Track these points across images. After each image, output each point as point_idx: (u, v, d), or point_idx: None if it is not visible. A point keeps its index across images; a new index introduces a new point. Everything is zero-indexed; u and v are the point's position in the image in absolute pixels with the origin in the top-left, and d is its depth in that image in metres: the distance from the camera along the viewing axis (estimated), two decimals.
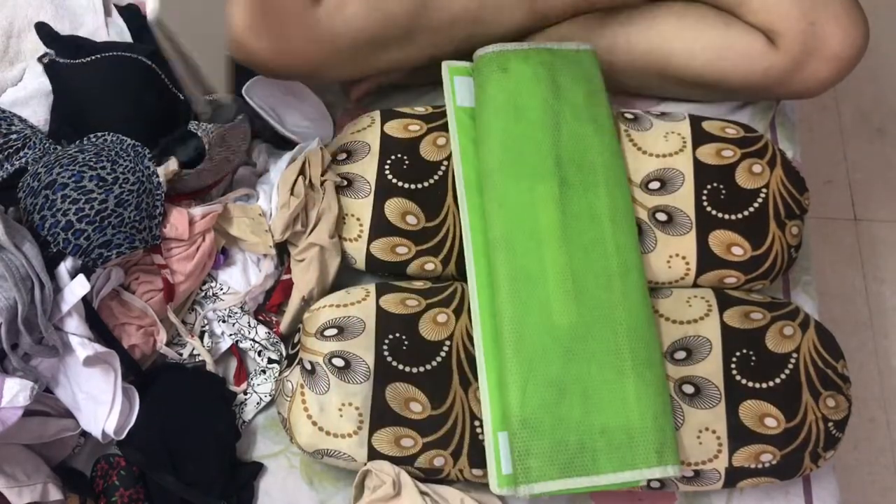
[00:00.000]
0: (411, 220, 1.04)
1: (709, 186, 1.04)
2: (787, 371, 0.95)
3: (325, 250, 1.03)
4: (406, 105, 1.14)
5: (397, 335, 0.95)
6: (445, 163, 1.06)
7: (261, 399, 1.02)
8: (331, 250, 1.03)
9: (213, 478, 0.95)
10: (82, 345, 0.89)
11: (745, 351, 0.96)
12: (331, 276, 1.04)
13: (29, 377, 0.87)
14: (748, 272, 1.02)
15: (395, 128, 1.08)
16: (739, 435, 0.93)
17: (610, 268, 0.96)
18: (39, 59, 1.10)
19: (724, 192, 1.04)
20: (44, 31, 1.16)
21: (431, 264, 1.04)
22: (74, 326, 0.90)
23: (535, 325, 0.92)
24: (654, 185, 1.05)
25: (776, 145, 1.09)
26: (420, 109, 1.11)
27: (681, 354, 0.96)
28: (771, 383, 0.95)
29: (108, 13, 1.25)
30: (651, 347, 0.93)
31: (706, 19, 1.11)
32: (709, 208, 1.03)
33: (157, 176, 0.98)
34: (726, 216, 1.03)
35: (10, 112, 1.07)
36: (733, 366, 0.95)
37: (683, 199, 1.04)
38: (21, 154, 1.02)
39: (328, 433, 0.93)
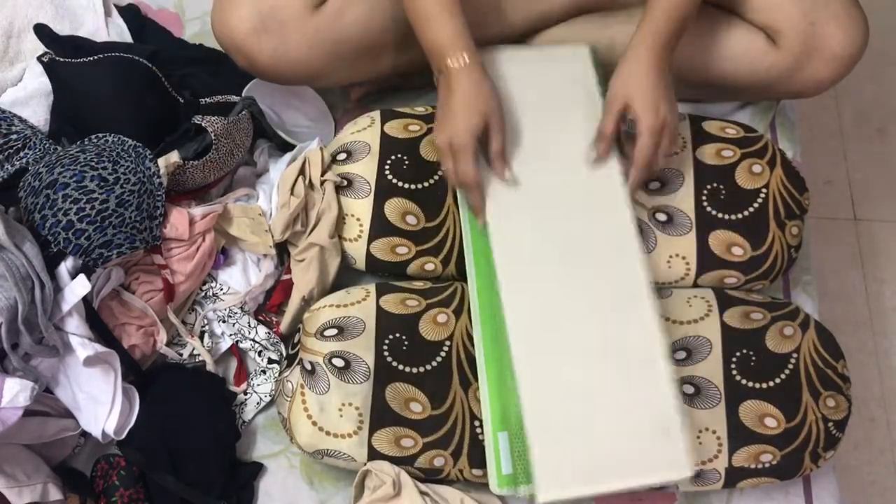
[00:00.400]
0: (411, 220, 1.04)
1: (709, 186, 1.04)
2: (787, 371, 0.95)
3: (325, 250, 1.03)
4: (406, 105, 1.14)
5: (397, 335, 0.95)
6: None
7: (261, 399, 1.02)
8: (331, 250, 1.03)
9: (213, 478, 0.95)
10: (82, 345, 0.89)
11: (745, 351, 0.96)
12: (331, 276, 1.04)
13: (29, 377, 0.87)
14: (748, 272, 1.02)
15: (395, 128, 1.08)
16: (739, 435, 0.93)
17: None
18: (39, 59, 1.10)
19: (724, 192, 1.04)
20: (43, 32, 1.16)
21: (431, 264, 1.04)
22: (75, 326, 0.90)
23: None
24: (654, 185, 1.05)
25: (776, 145, 1.09)
26: (420, 109, 1.11)
27: (681, 354, 0.96)
28: (771, 383, 0.95)
29: (108, 13, 1.25)
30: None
31: (707, 19, 1.11)
32: (709, 208, 1.03)
33: (159, 177, 0.98)
34: (726, 216, 1.03)
35: (11, 112, 1.07)
36: (733, 366, 0.95)
37: (683, 199, 1.04)
38: (21, 154, 1.02)
39: (328, 433, 0.93)
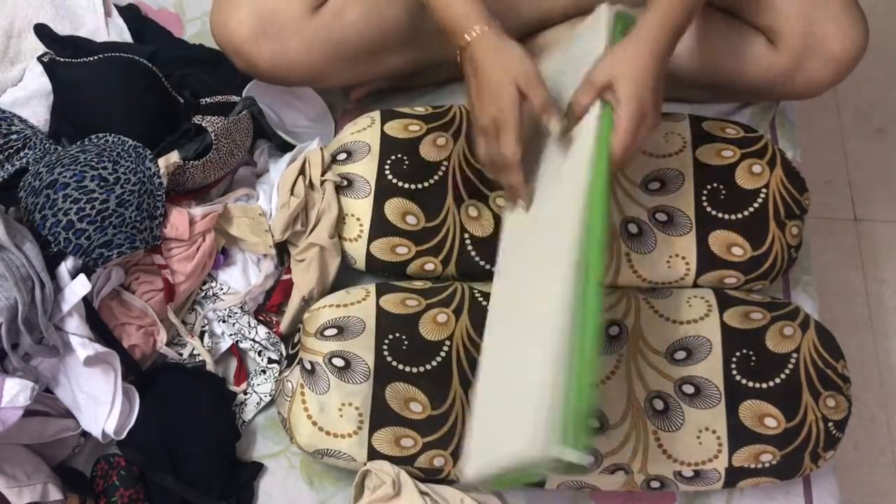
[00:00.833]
0: (411, 220, 1.04)
1: (709, 186, 1.04)
2: (787, 371, 0.95)
3: (325, 250, 1.03)
4: (406, 105, 1.14)
5: (397, 335, 0.95)
6: (445, 163, 1.06)
7: (261, 399, 1.02)
8: (331, 250, 1.03)
9: (212, 478, 0.95)
10: (82, 345, 0.89)
11: (745, 351, 0.96)
12: (331, 276, 1.04)
13: (29, 377, 0.87)
14: (748, 272, 1.02)
15: (395, 128, 1.08)
16: (739, 435, 0.93)
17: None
18: (39, 59, 1.11)
19: (724, 192, 1.04)
20: (43, 32, 1.16)
21: (431, 264, 1.04)
22: (75, 326, 0.90)
23: None
24: (654, 185, 1.05)
25: (776, 145, 1.09)
26: (420, 110, 1.11)
27: (681, 354, 0.96)
28: (771, 383, 0.95)
29: (108, 13, 1.25)
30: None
31: (707, 20, 1.11)
32: (709, 208, 1.03)
33: (159, 177, 0.98)
34: (726, 216, 1.03)
35: (11, 112, 1.07)
36: (733, 366, 0.95)
37: (683, 199, 1.04)
38: (21, 154, 1.02)
39: (328, 433, 0.93)
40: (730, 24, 1.10)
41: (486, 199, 1.05)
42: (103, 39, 1.21)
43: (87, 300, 0.92)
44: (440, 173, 1.05)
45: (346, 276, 1.07)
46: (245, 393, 1.03)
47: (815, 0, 1.04)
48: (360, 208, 1.04)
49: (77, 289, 0.90)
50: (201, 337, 1.03)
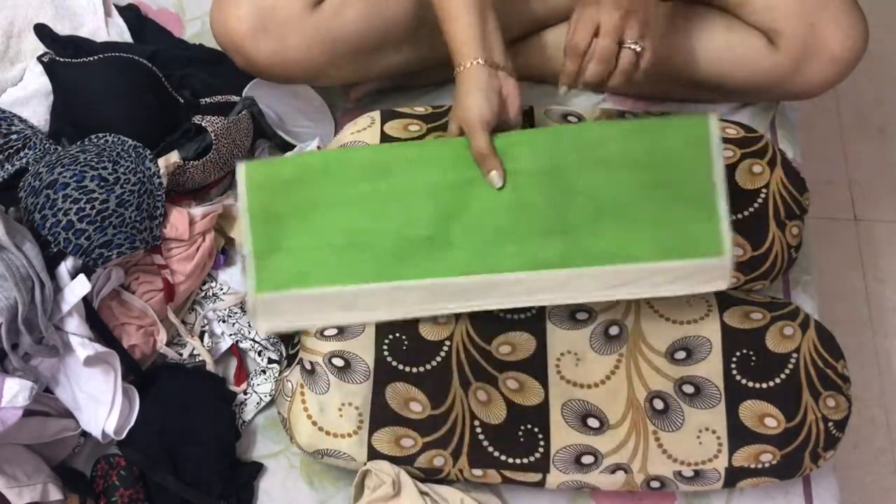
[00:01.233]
0: None
1: None
2: (787, 371, 0.95)
3: None
4: (406, 105, 1.14)
5: (397, 335, 0.95)
6: None
7: (261, 399, 1.02)
8: None
9: (212, 478, 0.95)
10: (82, 345, 0.89)
11: (745, 351, 0.96)
12: None
13: (29, 377, 0.87)
14: (748, 272, 1.02)
15: (394, 128, 1.08)
16: (739, 435, 0.93)
17: None
18: (39, 59, 1.11)
19: None
20: (43, 32, 1.16)
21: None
22: (75, 326, 0.90)
23: None
24: None
25: (776, 145, 1.09)
26: (420, 109, 1.11)
27: (681, 354, 0.96)
28: (771, 383, 0.95)
29: (108, 13, 1.25)
30: None
31: (707, 20, 1.11)
32: None
33: (159, 177, 0.98)
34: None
35: (11, 112, 1.07)
36: (733, 366, 0.95)
37: None
38: (21, 154, 1.02)
39: (328, 433, 0.93)
40: (730, 25, 1.10)
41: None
42: (103, 39, 1.21)
43: (87, 300, 0.92)
44: None
45: None
46: (245, 393, 1.03)
47: (815, 0, 1.04)
48: None
49: (77, 289, 0.90)
50: (201, 337, 1.03)
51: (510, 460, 0.93)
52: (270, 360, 1.03)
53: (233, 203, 1.06)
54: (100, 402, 0.92)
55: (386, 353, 0.94)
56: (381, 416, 0.92)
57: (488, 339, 0.96)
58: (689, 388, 0.95)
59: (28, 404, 0.84)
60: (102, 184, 0.93)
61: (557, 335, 0.97)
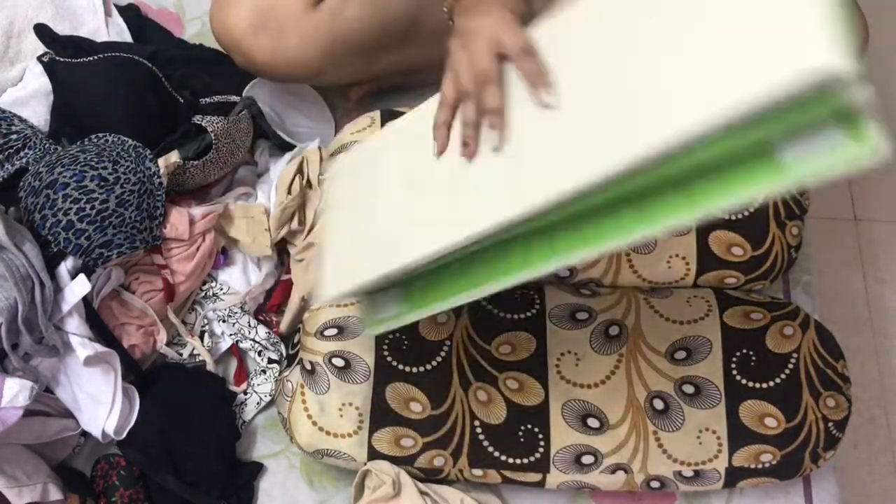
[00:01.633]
0: None
1: None
2: (787, 371, 0.95)
3: None
4: (406, 105, 1.14)
5: (397, 335, 0.95)
6: None
7: (261, 399, 1.02)
8: None
9: (213, 478, 0.95)
10: (82, 345, 0.89)
11: (745, 351, 0.96)
12: None
13: (29, 377, 0.87)
14: (748, 272, 1.02)
15: None
16: (739, 435, 0.93)
17: None
18: (39, 59, 1.11)
19: None
20: (43, 32, 1.16)
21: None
22: (75, 326, 0.90)
23: None
24: None
25: None
26: None
27: (681, 354, 0.96)
28: (771, 383, 0.95)
29: (108, 13, 1.25)
30: None
31: None
32: None
33: (159, 177, 0.98)
34: (725, 216, 1.03)
35: (11, 112, 1.07)
36: (733, 366, 0.95)
37: None
38: (21, 154, 1.02)
39: (328, 433, 0.93)
40: None
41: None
42: (103, 39, 1.21)
43: (87, 300, 0.92)
44: None
45: None
46: (245, 393, 1.03)
47: None
48: None
49: (77, 289, 0.90)
50: (201, 337, 1.03)
51: (510, 460, 0.93)
52: (270, 360, 1.03)
53: (232, 203, 1.06)
54: (100, 402, 0.92)
55: (386, 352, 0.94)
56: (381, 415, 0.92)
57: (488, 339, 0.96)
58: (689, 388, 0.95)
59: (28, 404, 0.84)
60: (102, 184, 0.93)
61: (557, 335, 0.97)
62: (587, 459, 0.93)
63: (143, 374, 0.99)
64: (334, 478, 1.00)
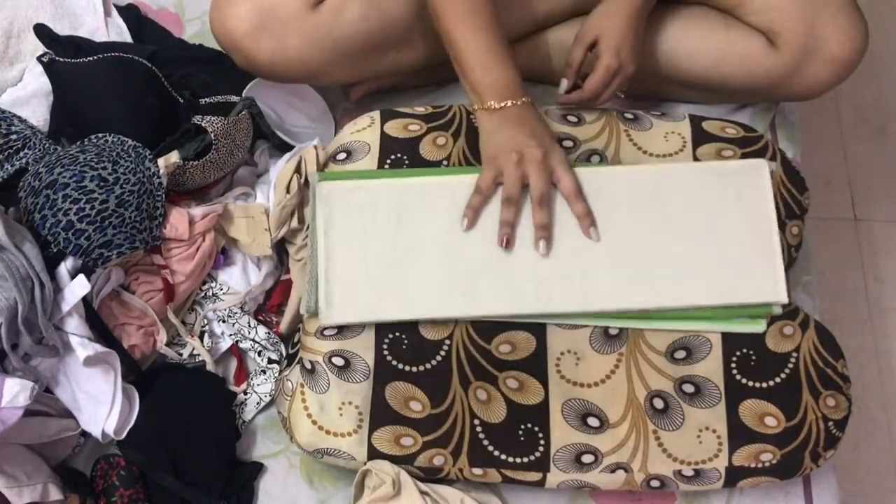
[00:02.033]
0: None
1: None
2: (787, 370, 0.95)
3: None
4: (406, 105, 1.14)
5: (397, 334, 0.95)
6: (445, 162, 1.06)
7: (261, 399, 1.02)
8: None
9: (213, 478, 0.95)
10: (82, 345, 0.89)
11: (745, 350, 0.96)
12: None
13: (29, 377, 0.87)
14: None
15: (395, 128, 1.08)
16: (739, 434, 0.93)
17: None
18: (39, 59, 1.11)
19: None
20: (43, 32, 1.16)
21: None
22: (74, 326, 0.90)
23: None
24: None
25: (776, 145, 1.09)
26: (420, 109, 1.11)
27: (681, 354, 0.96)
28: (771, 383, 0.95)
29: (107, 13, 1.25)
30: None
31: (707, 21, 1.11)
32: None
33: (158, 177, 0.98)
34: None
35: (10, 112, 1.08)
36: (733, 365, 0.95)
37: None
38: (21, 154, 1.02)
39: (328, 432, 0.93)
40: (729, 25, 1.10)
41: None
42: (103, 39, 1.21)
43: (86, 300, 0.92)
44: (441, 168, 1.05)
45: None
46: (245, 393, 1.03)
47: (814, 1, 1.04)
48: None
49: (77, 289, 0.90)
50: (201, 337, 1.03)
51: (510, 459, 0.93)
52: (270, 360, 1.03)
53: (232, 203, 1.06)
54: (100, 402, 0.92)
55: (386, 352, 0.94)
56: (381, 415, 0.92)
57: (488, 338, 0.96)
58: (689, 388, 0.95)
59: (28, 404, 0.84)
60: (102, 184, 0.93)
61: (557, 334, 0.97)
62: (587, 458, 0.93)
63: (143, 374, 0.99)
64: (334, 477, 1.00)
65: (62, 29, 1.20)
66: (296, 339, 1.01)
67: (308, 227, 1.02)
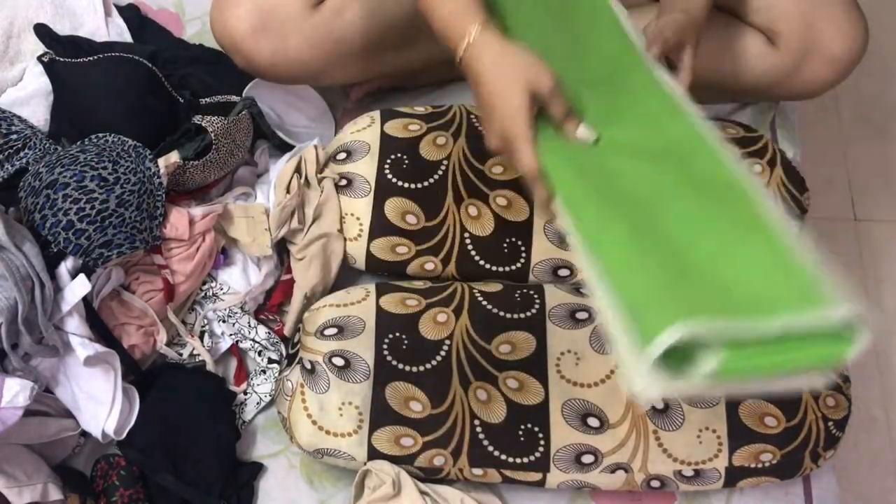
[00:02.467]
0: (411, 219, 1.04)
1: None
2: None
3: (331, 237, 1.02)
4: (406, 105, 1.14)
5: (397, 334, 0.95)
6: (445, 162, 1.06)
7: (261, 399, 1.02)
8: (337, 236, 1.03)
9: (213, 478, 0.95)
10: (82, 345, 0.89)
11: None
12: (333, 273, 1.04)
13: (29, 377, 0.87)
14: None
15: (394, 127, 1.08)
16: (739, 434, 0.93)
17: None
18: (39, 59, 1.11)
19: None
20: (43, 32, 1.16)
21: (431, 264, 1.04)
22: (75, 326, 0.90)
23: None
24: None
25: (776, 145, 1.09)
26: (420, 109, 1.11)
27: None
28: None
29: (108, 13, 1.25)
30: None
31: (707, 20, 1.11)
32: None
33: (159, 177, 0.98)
34: None
35: (11, 112, 1.08)
36: None
37: None
38: (21, 154, 1.02)
39: (328, 432, 0.93)
40: (729, 25, 1.10)
41: (487, 199, 1.05)
42: (103, 39, 1.21)
43: (87, 300, 0.92)
44: (440, 172, 1.05)
45: (346, 276, 1.07)
46: (245, 393, 1.03)
47: (814, 0, 1.04)
48: (359, 208, 1.04)
49: (77, 289, 0.90)
50: (201, 337, 1.03)
51: (510, 459, 0.93)
52: (270, 360, 1.03)
53: (232, 203, 1.06)
54: (100, 402, 0.92)
55: (386, 352, 0.94)
56: (381, 415, 0.92)
57: (488, 338, 0.96)
58: None
59: (28, 404, 0.84)
60: (102, 184, 0.93)
61: (557, 334, 0.97)
62: (587, 459, 0.93)
63: (143, 374, 0.99)
64: (334, 477, 1.00)
65: (62, 29, 1.20)
66: (296, 339, 1.01)
67: (308, 229, 1.03)
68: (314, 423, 0.93)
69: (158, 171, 0.98)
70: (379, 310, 0.97)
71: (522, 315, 0.98)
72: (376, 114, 1.10)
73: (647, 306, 0.65)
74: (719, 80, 1.12)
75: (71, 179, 0.92)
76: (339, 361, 0.94)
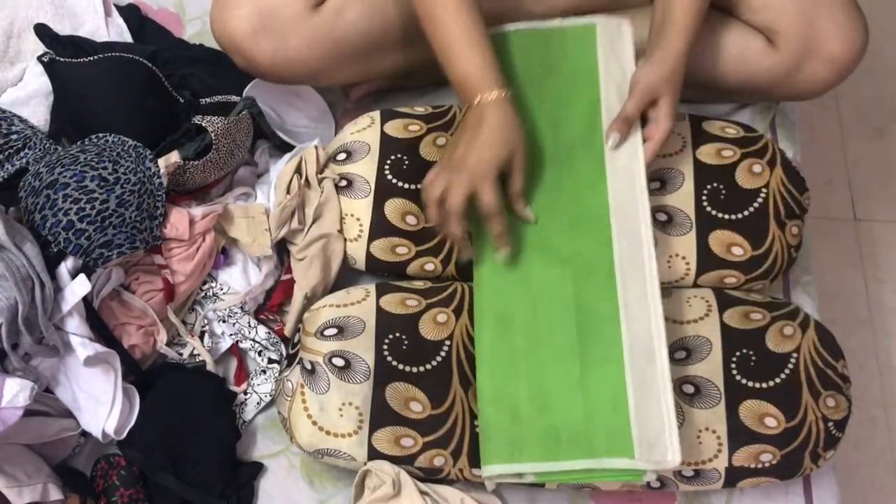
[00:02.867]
0: (411, 220, 1.04)
1: (709, 186, 1.04)
2: (787, 371, 0.95)
3: (331, 238, 1.02)
4: (406, 105, 1.14)
5: (397, 335, 0.95)
6: None
7: (261, 399, 1.02)
8: (337, 236, 1.03)
9: (213, 478, 0.95)
10: (83, 345, 0.89)
11: (745, 351, 0.96)
12: (333, 272, 1.04)
13: (29, 377, 0.87)
14: (748, 272, 1.02)
15: (395, 128, 1.08)
16: (739, 435, 0.93)
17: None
18: (40, 59, 1.11)
19: (724, 191, 1.04)
20: (43, 32, 1.16)
21: (431, 264, 1.04)
22: (75, 326, 0.90)
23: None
24: (655, 184, 1.05)
25: (776, 145, 1.09)
26: (420, 109, 1.11)
27: (681, 354, 0.96)
28: (771, 383, 0.95)
29: (108, 13, 1.25)
30: (609, 343, 0.91)
31: (706, 20, 1.11)
32: (709, 208, 1.03)
33: (159, 177, 0.98)
34: (726, 216, 1.03)
35: (11, 112, 1.08)
36: (733, 366, 0.95)
37: (683, 199, 1.04)
38: (22, 154, 1.02)
39: (328, 433, 0.93)
40: (729, 25, 1.10)
41: None
42: (103, 39, 1.21)
43: (87, 300, 0.92)
44: None
45: (346, 276, 1.07)
46: (245, 393, 1.03)
47: (814, 0, 1.04)
48: (359, 208, 1.04)
49: (77, 289, 0.90)
50: (201, 337, 1.03)
51: None
52: (270, 360, 1.03)
53: (232, 203, 1.06)
54: (100, 402, 0.92)
55: (386, 352, 0.94)
56: (381, 415, 0.92)
57: None
58: (689, 388, 0.95)
59: (28, 404, 0.84)
60: (102, 184, 0.93)
61: None
62: None
63: (143, 374, 0.99)
64: (334, 478, 1.00)
65: (63, 29, 1.20)
66: (296, 340, 1.01)
67: (308, 230, 1.03)
68: (314, 423, 0.93)
69: (158, 171, 0.98)
70: (379, 310, 0.97)
71: None
72: (376, 114, 1.10)
73: (489, 436, 0.90)
74: (719, 79, 1.12)
75: (71, 179, 0.92)
76: (339, 362, 0.94)
